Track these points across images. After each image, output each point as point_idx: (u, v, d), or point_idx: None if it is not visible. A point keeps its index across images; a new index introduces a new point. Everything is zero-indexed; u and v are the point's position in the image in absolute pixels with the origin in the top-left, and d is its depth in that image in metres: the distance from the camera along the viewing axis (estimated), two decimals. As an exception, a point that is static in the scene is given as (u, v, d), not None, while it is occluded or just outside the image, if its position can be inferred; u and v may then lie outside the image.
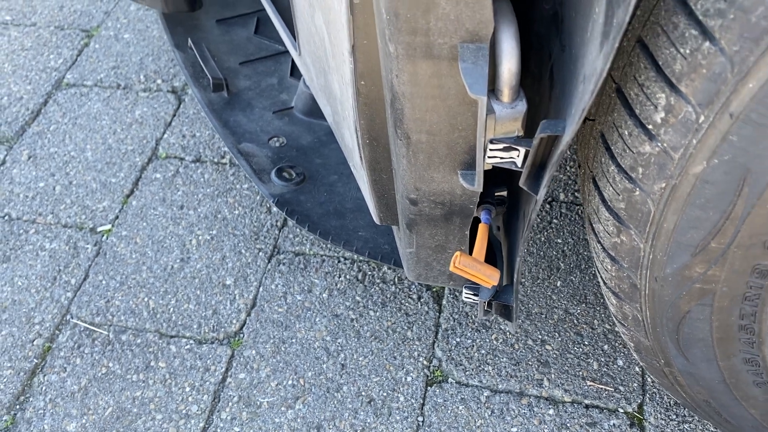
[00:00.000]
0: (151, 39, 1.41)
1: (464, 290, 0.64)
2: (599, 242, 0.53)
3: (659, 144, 0.42)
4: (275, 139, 0.87)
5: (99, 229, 1.11)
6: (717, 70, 0.37)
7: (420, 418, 0.88)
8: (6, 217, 1.14)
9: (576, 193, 1.09)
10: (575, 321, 0.94)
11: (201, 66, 0.93)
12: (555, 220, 1.06)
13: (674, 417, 0.86)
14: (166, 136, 1.23)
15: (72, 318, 1.01)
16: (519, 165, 0.47)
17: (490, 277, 0.52)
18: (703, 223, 0.44)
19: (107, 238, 1.09)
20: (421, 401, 0.89)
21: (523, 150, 0.45)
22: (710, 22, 0.36)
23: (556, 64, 0.48)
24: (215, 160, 1.18)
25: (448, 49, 0.42)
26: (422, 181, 0.53)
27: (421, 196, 0.55)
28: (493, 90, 0.48)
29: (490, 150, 0.47)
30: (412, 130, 0.49)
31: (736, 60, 0.36)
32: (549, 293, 0.97)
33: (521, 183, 0.48)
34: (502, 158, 0.47)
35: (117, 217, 1.12)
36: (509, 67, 0.46)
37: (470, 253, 0.58)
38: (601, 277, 0.58)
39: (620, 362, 0.90)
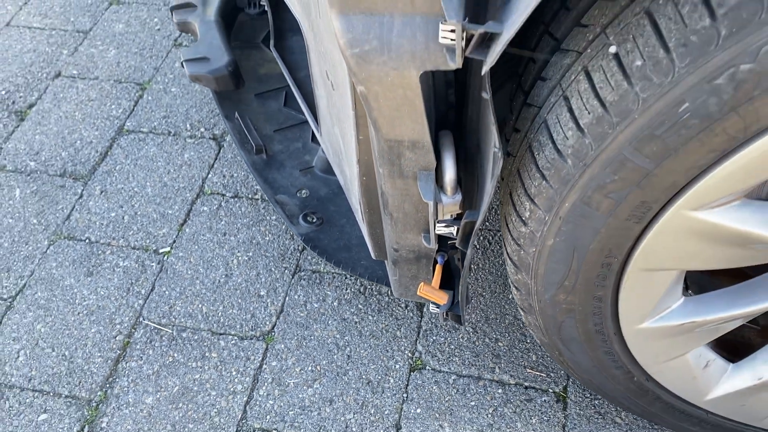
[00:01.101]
0: (194, 93, 1.74)
1: (431, 304, 0.97)
2: (509, 277, 0.85)
3: (529, 228, 0.74)
4: (301, 191, 1.19)
5: (161, 250, 1.44)
6: (550, 195, 0.69)
7: (405, 395, 1.20)
8: (87, 241, 1.47)
9: (529, 226, 1.41)
10: (521, 325, 1.27)
11: (246, 133, 1.25)
12: (511, 247, 1.38)
13: (588, 395, 1.18)
14: (209, 175, 1.55)
15: (144, 320, 1.34)
16: (455, 234, 0.79)
17: (441, 299, 0.85)
18: (558, 271, 0.76)
19: (167, 258, 1.42)
20: (406, 382, 1.21)
21: (455, 227, 0.78)
22: (545, 171, 0.68)
23: (479, 174, 0.81)
24: (249, 196, 1.50)
25: (412, 173, 0.75)
26: (400, 239, 0.86)
27: (400, 247, 0.88)
28: (441, 187, 0.80)
29: (438, 225, 0.79)
30: (393, 211, 0.82)
31: (558, 191, 0.67)
32: (503, 303, 1.30)
33: (457, 244, 0.80)
34: (445, 231, 0.79)
35: (174, 241, 1.45)
36: (449, 177, 0.78)
37: (432, 281, 0.90)
38: (515, 298, 0.90)
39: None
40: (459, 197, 0.79)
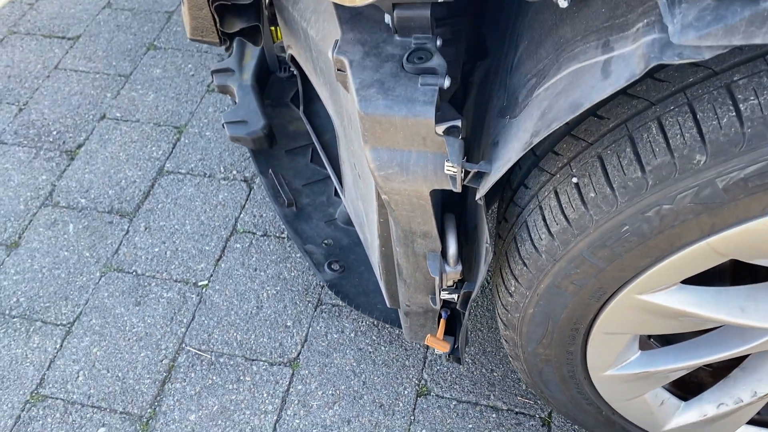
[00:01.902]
0: (226, 138, 1.94)
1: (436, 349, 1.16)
2: (500, 332, 1.05)
3: (514, 299, 0.93)
4: (326, 241, 1.39)
5: (199, 283, 1.64)
6: (529, 277, 0.88)
7: (412, 417, 1.40)
8: (134, 273, 1.67)
9: (522, 268, 1.61)
10: (513, 357, 1.46)
11: (278, 188, 1.45)
12: (507, 287, 1.58)
13: (569, 422, 1.38)
14: (241, 215, 1.76)
15: (186, 346, 1.54)
16: (456, 299, 0.99)
17: (444, 347, 1.05)
18: (538, 332, 0.96)
19: (205, 291, 1.62)
20: (413, 406, 1.41)
21: (456, 294, 0.98)
22: (526, 260, 0.87)
23: (476, 249, 1.00)
24: (277, 235, 1.71)
25: (422, 253, 0.94)
26: (412, 298, 1.05)
27: (411, 304, 1.08)
28: (446, 259, 1.00)
29: (443, 291, 0.99)
30: (407, 278, 1.01)
31: (535, 276, 0.87)
32: (498, 339, 1.49)
33: (457, 307, 1.00)
34: (448, 296, 0.99)
35: (211, 275, 1.65)
36: (452, 252, 0.98)
37: (437, 332, 1.10)
38: (505, 348, 1.10)
39: (539, 385, 1.42)
40: (460, 267, 0.99)
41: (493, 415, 1.39)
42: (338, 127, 1.08)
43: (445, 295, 0.99)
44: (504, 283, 0.95)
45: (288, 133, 1.59)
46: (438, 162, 0.78)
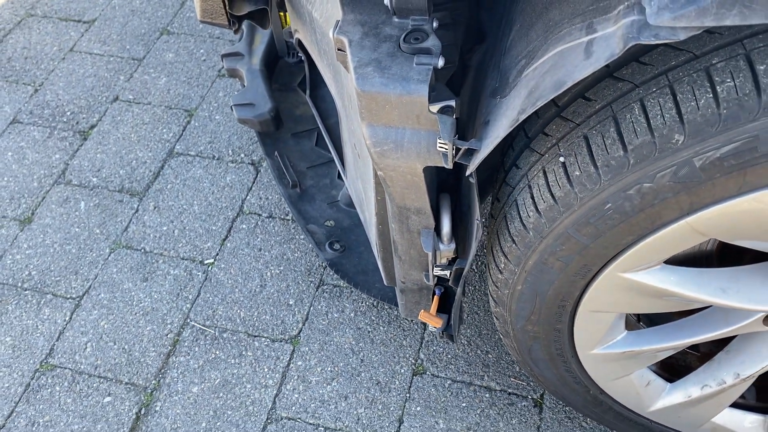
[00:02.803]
0: (235, 122, 1.98)
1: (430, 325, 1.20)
2: (491, 309, 1.09)
3: (503, 275, 0.97)
4: (328, 222, 1.43)
5: (205, 261, 1.68)
6: (518, 254, 0.92)
7: (408, 395, 1.44)
8: (142, 250, 1.72)
9: (520, 254, 1.64)
10: (508, 340, 1.50)
11: (283, 170, 1.49)
12: (504, 272, 1.61)
13: (560, 403, 1.41)
14: (248, 197, 1.80)
15: (190, 321, 1.58)
16: (448, 276, 1.02)
17: (437, 323, 1.08)
18: (526, 308, 0.99)
19: (211, 269, 1.67)
20: (409, 384, 1.45)
21: (449, 271, 1.01)
22: (515, 236, 0.91)
23: (468, 229, 1.04)
24: (282, 217, 1.75)
25: (417, 230, 0.98)
26: (407, 275, 1.09)
27: (406, 281, 1.11)
28: (440, 237, 1.03)
29: (436, 268, 1.02)
30: (402, 255, 1.05)
31: (523, 253, 0.90)
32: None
33: (450, 283, 1.04)
34: (441, 273, 1.02)
35: (217, 254, 1.69)
36: (446, 231, 1.01)
37: (431, 308, 1.14)
38: (496, 326, 1.14)
39: (533, 367, 1.45)
40: (453, 246, 1.02)
41: (487, 395, 1.43)
42: (340, 108, 1.12)
43: (438, 272, 1.02)
44: (494, 260, 0.98)
45: (294, 117, 1.63)
46: (431, 139, 0.82)
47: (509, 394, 1.43)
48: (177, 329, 1.57)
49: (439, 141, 0.80)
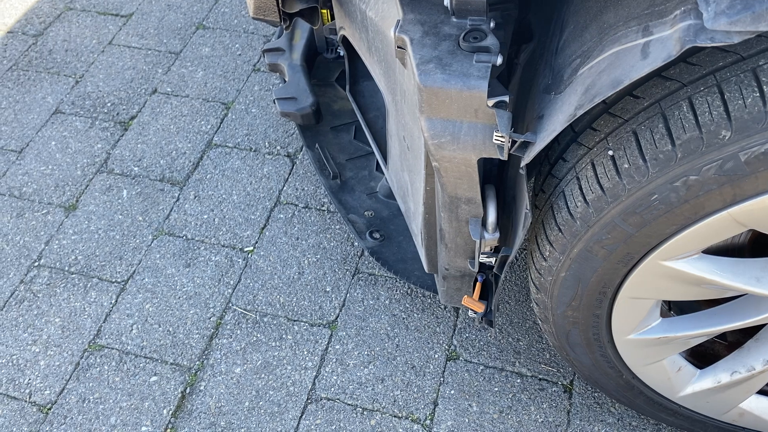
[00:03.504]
0: (271, 114, 2.04)
1: (470, 310, 1.26)
2: (531, 295, 1.14)
3: (547, 263, 1.02)
4: (368, 212, 1.49)
5: (245, 249, 1.75)
6: (564, 243, 0.97)
7: (442, 379, 1.50)
8: (184, 237, 1.78)
9: (550, 246, 1.70)
10: (538, 329, 1.56)
11: (324, 162, 1.55)
12: (534, 264, 1.67)
13: (590, 389, 1.46)
14: (285, 188, 1.86)
15: (232, 305, 1.65)
16: (493, 263, 1.08)
17: (479, 308, 1.14)
18: (568, 294, 1.05)
19: (251, 256, 1.73)
20: (443, 369, 1.51)
21: (494, 258, 1.07)
22: (561, 226, 0.96)
23: (513, 219, 1.09)
24: (318, 207, 1.81)
25: (465, 219, 1.04)
26: (451, 262, 1.15)
27: (450, 268, 1.17)
28: (485, 227, 1.09)
29: (481, 255, 1.08)
30: (448, 243, 1.11)
31: (569, 241, 0.96)
32: (525, 311, 1.59)
33: (495, 270, 1.09)
34: (486, 260, 1.08)
35: (257, 242, 1.76)
36: (491, 220, 1.07)
37: (473, 294, 1.20)
38: (534, 311, 1.19)
39: (563, 355, 1.51)
40: (497, 235, 1.08)
41: (518, 381, 1.48)
42: (389, 103, 1.18)
43: (483, 259, 1.08)
44: (539, 248, 1.04)
45: (333, 111, 1.69)
46: (487, 132, 0.88)
47: (540, 379, 1.48)
48: (219, 313, 1.63)
49: (495, 134, 0.86)
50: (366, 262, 1.68)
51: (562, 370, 1.49)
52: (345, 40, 1.43)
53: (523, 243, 1.69)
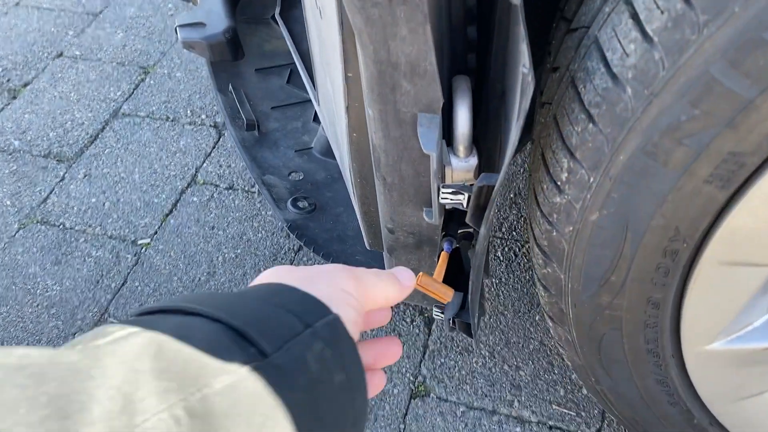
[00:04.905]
0: (200, 79, 1.59)
1: (434, 308, 0.77)
2: (535, 272, 0.66)
3: (566, 196, 0.54)
4: (294, 173, 1.02)
5: (139, 242, 1.27)
6: (598, 143, 0.49)
7: (401, 426, 0.99)
8: (61, 227, 1.31)
9: (562, 239, 1.21)
10: (548, 351, 1.05)
11: (238, 108, 1.09)
12: (541, 262, 1.17)
13: (628, 443, 0.95)
14: (205, 165, 1.39)
15: (109, 317, 1.16)
16: (465, 206, 0.60)
17: (445, 295, 0.65)
18: (603, 261, 0.56)
19: (146, 251, 1.25)
20: (404, 411, 1.01)
21: (466, 194, 0.59)
22: (592, 110, 0.49)
23: (503, 131, 0.62)
24: (246, 188, 1.33)
25: (411, 116, 0.56)
26: (396, 214, 0.67)
27: (396, 227, 0.69)
28: (451, 146, 0.61)
29: (443, 193, 0.60)
30: (387, 174, 0.63)
31: (609, 137, 0.48)
32: (527, 326, 1.09)
33: (467, 220, 0.61)
34: (452, 200, 0.60)
35: (156, 233, 1.28)
36: (462, 131, 0.59)
37: (434, 273, 0.70)
38: (541, 303, 0.70)
39: (584, 391, 1.01)
40: (474, 161, 0.60)
41: (517, 429, 0.98)
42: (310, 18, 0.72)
43: (446, 197, 0.60)
44: (549, 173, 0.56)
45: (263, 52, 1.23)
46: None
47: (551, 428, 0.98)
48: (90, 328, 1.14)
49: None
50: (305, 259, 1.20)
51: (584, 413, 0.99)
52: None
53: (522, 216, 1.20)
